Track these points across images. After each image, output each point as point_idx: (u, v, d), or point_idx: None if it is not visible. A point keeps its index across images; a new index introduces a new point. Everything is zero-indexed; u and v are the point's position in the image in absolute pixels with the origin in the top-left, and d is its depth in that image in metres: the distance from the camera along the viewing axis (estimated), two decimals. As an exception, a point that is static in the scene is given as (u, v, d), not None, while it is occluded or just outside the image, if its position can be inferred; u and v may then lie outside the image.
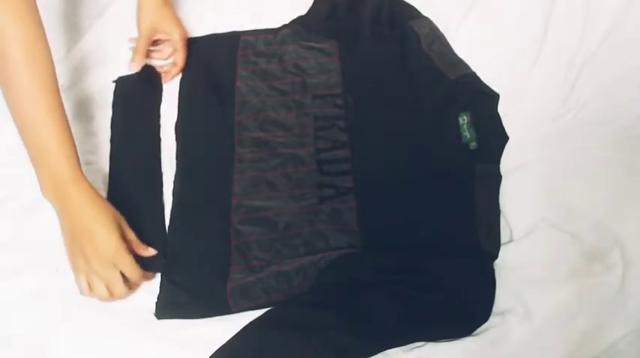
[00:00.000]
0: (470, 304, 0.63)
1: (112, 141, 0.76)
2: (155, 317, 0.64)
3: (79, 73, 0.82)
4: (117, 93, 0.79)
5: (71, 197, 0.61)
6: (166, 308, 0.65)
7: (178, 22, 0.81)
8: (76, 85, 0.80)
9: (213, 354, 0.61)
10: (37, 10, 0.63)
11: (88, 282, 0.61)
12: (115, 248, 0.61)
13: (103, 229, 0.60)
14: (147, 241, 0.66)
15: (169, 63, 0.82)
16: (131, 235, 0.64)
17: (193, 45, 0.84)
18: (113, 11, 0.87)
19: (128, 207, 0.67)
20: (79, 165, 0.63)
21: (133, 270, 0.63)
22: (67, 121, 0.63)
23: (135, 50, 0.80)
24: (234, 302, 0.65)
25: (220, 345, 0.61)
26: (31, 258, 0.67)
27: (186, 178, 0.73)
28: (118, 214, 0.64)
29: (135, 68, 0.80)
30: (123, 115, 0.78)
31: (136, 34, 0.82)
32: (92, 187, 0.63)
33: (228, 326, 0.63)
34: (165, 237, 0.69)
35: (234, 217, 0.70)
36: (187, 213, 0.71)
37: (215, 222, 0.70)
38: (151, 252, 0.65)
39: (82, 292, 0.62)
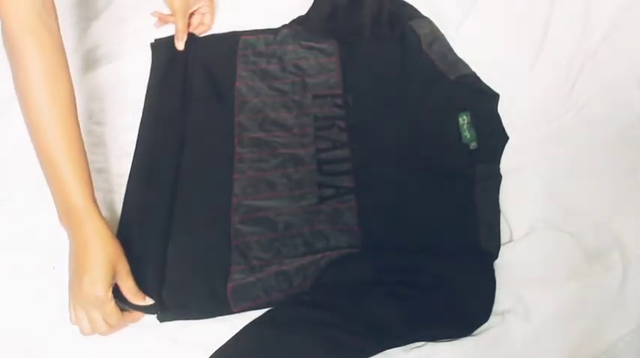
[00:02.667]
0: (470, 304, 0.63)
1: (142, 118, 0.78)
2: (157, 321, 0.64)
3: (81, 71, 0.82)
4: (154, 58, 0.83)
5: (80, 229, 0.61)
6: (167, 310, 0.64)
7: None
8: (77, 82, 0.80)
9: (213, 354, 0.61)
10: (60, 42, 0.64)
11: (76, 313, 0.61)
12: (97, 293, 0.59)
13: (94, 271, 0.59)
14: (150, 278, 0.65)
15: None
16: (128, 283, 0.62)
17: (193, 45, 0.84)
18: (113, 11, 0.87)
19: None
20: (94, 199, 0.63)
21: (112, 318, 0.61)
22: (84, 155, 0.63)
23: (177, 29, 0.83)
24: (235, 302, 0.64)
25: (220, 345, 0.61)
26: (31, 258, 0.67)
27: (186, 178, 0.73)
28: (120, 258, 0.62)
29: (181, 46, 0.83)
30: (158, 85, 0.80)
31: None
32: (104, 224, 0.62)
33: (228, 326, 0.63)
34: (164, 275, 0.67)
35: (234, 217, 0.70)
36: (187, 213, 0.71)
37: (215, 222, 0.70)
38: (147, 301, 0.63)
39: (70, 320, 0.61)
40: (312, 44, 0.83)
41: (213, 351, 0.61)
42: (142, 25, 0.87)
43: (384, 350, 0.61)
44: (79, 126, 0.64)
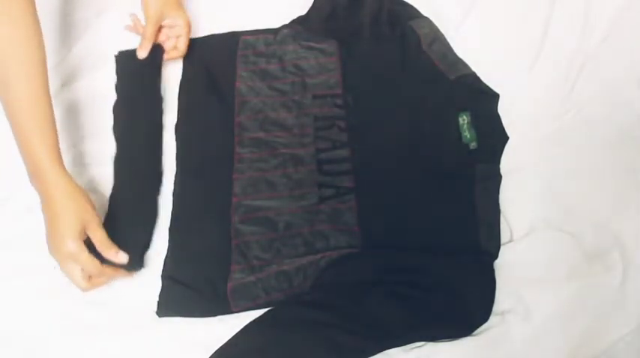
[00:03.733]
0: (470, 304, 0.63)
1: (114, 129, 0.76)
2: (156, 315, 0.64)
3: (78, 73, 0.82)
4: (119, 70, 0.79)
5: (46, 187, 0.62)
6: (167, 306, 0.65)
7: (183, 8, 0.81)
8: (73, 85, 0.80)
9: (213, 354, 0.61)
10: (34, 9, 0.64)
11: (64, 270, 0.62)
12: (67, 247, 0.60)
13: (60, 227, 0.61)
14: (132, 240, 0.66)
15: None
16: (98, 235, 0.62)
17: (193, 45, 0.84)
18: (113, 10, 0.87)
19: (124, 206, 0.68)
20: (59, 158, 0.63)
21: (88, 267, 0.61)
22: (50, 115, 0.64)
23: (143, 35, 0.78)
24: (234, 302, 0.65)
25: (220, 345, 0.61)
26: (31, 258, 0.67)
27: (186, 178, 0.73)
28: (87, 210, 0.62)
29: (143, 54, 0.78)
30: (124, 98, 0.77)
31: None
32: (70, 180, 0.63)
33: (228, 326, 0.63)
34: (150, 239, 0.69)
35: (234, 217, 0.70)
36: (188, 213, 0.71)
37: (215, 222, 0.70)
38: (120, 258, 0.63)
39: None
40: (312, 44, 0.83)
41: (213, 351, 0.61)
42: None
43: (384, 350, 0.61)
44: (47, 87, 0.64)
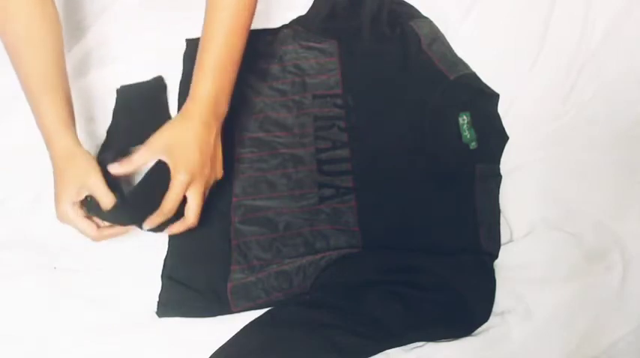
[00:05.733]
0: (470, 304, 0.63)
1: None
2: (156, 316, 0.64)
3: (79, 73, 0.82)
4: (119, 103, 0.78)
5: (51, 149, 0.64)
6: (167, 306, 0.65)
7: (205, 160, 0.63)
8: (75, 84, 0.80)
9: (213, 354, 0.61)
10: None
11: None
12: (62, 209, 0.62)
13: (58, 189, 0.63)
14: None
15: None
16: (98, 193, 0.62)
17: (193, 45, 0.83)
18: (114, 10, 0.87)
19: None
20: (67, 121, 0.65)
21: (85, 231, 0.63)
22: (64, 84, 0.67)
23: (130, 159, 0.63)
24: (235, 302, 0.65)
25: (220, 345, 0.61)
26: (30, 258, 0.67)
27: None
28: (90, 173, 0.62)
29: (116, 171, 0.63)
30: (123, 128, 0.75)
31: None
32: (71, 144, 0.64)
33: (228, 326, 0.63)
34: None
35: (235, 217, 0.70)
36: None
37: (215, 222, 0.70)
38: (105, 203, 0.62)
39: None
40: (312, 44, 0.83)
41: (213, 351, 0.61)
42: (143, 25, 0.87)
43: (384, 350, 0.61)
44: (62, 57, 0.67)
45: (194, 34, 0.84)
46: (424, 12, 0.85)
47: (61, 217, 0.63)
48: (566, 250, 0.66)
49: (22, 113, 0.75)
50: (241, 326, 0.62)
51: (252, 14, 0.68)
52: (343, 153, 0.74)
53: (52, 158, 0.64)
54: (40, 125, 0.65)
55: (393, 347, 0.61)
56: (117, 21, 0.85)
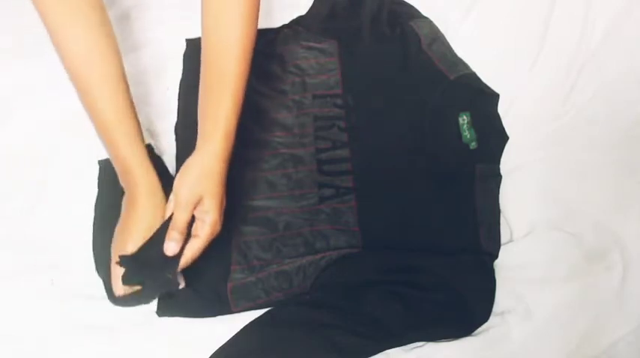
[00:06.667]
0: (470, 304, 0.63)
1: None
2: (157, 315, 0.64)
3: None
4: (101, 177, 0.73)
5: (136, 183, 0.63)
6: (167, 306, 0.65)
7: (221, 195, 0.62)
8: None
9: (213, 354, 0.61)
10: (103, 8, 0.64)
11: None
12: (127, 248, 0.62)
13: (133, 227, 0.63)
14: None
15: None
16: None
17: (193, 45, 0.84)
18: (114, 11, 0.87)
19: None
20: (143, 154, 0.64)
21: (116, 283, 0.63)
22: (132, 111, 0.65)
23: (174, 225, 0.60)
24: (235, 302, 0.65)
25: (220, 345, 0.61)
26: (30, 258, 0.67)
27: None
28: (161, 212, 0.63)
29: (174, 250, 0.60)
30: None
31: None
32: (157, 184, 0.64)
33: (228, 326, 0.63)
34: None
35: (235, 217, 0.70)
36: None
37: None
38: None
39: None
40: (312, 44, 0.83)
41: (213, 351, 0.61)
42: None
43: (384, 350, 0.61)
44: (128, 92, 0.65)
45: (194, 34, 0.84)
46: (424, 12, 0.85)
47: (118, 251, 0.62)
48: (566, 250, 0.66)
49: (22, 113, 0.76)
50: (241, 326, 0.62)
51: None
52: (343, 153, 0.74)
53: (134, 193, 0.63)
54: (116, 159, 0.63)
55: (393, 347, 0.61)
56: (117, 21, 0.85)
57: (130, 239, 0.62)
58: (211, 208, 0.60)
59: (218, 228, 0.61)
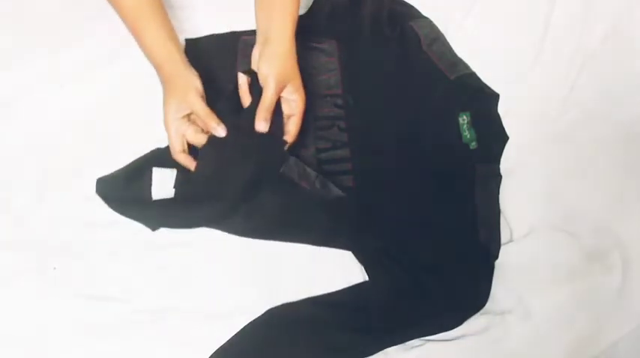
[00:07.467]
0: (468, 303, 0.63)
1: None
2: (151, 231, 0.67)
3: (79, 73, 0.82)
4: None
5: (161, 72, 0.69)
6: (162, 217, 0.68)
7: (300, 77, 0.69)
8: (75, 85, 0.80)
9: (213, 354, 0.61)
10: None
11: None
12: (165, 123, 0.67)
13: (163, 107, 0.68)
14: None
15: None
16: (198, 108, 0.67)
17: (193, 45, 0.84)
18: (114, 11, 0.87)
19: None
20: (172, 41, 0.69)
21: (174, 146, 0.67)
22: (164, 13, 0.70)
23: (262, 105, 0.66)
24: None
25: (220, 345, 0.61)
26: (30, 258, 0.67)
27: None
28: (189, 91, 0.67)
29: (264, 128, 0.66)
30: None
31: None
32: (178, 67, 0.68)
33: (228, 326, 0.63)
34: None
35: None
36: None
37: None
38: (219, 131, 0.67)
39: None
40: (312, 44, 0.83)
41: (213, 351, 0.61)
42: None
43: (384, 348, 0.61)
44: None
45: (194, 34, 0.84)
46: (424, 12, 0.85)
47: (165, 127, 0.67)
48: (566, 250, 0.66)
49: (22, 113, 0.76)
50: (241, 326, 0.62)
51: None
52: (343, 153, 0.74)
53: (162, 82, 0.68)
54: (148, 51, 0.68)
55: (392, 345, 0.61)
56: (116, 21, 0.85)
57: (166, 117, 0.66)
58: (298, 88, 0.68)
59: (305, 105, 0.68)
